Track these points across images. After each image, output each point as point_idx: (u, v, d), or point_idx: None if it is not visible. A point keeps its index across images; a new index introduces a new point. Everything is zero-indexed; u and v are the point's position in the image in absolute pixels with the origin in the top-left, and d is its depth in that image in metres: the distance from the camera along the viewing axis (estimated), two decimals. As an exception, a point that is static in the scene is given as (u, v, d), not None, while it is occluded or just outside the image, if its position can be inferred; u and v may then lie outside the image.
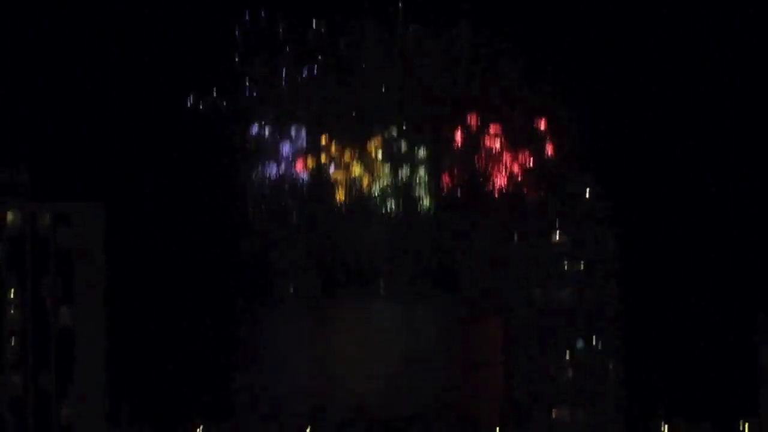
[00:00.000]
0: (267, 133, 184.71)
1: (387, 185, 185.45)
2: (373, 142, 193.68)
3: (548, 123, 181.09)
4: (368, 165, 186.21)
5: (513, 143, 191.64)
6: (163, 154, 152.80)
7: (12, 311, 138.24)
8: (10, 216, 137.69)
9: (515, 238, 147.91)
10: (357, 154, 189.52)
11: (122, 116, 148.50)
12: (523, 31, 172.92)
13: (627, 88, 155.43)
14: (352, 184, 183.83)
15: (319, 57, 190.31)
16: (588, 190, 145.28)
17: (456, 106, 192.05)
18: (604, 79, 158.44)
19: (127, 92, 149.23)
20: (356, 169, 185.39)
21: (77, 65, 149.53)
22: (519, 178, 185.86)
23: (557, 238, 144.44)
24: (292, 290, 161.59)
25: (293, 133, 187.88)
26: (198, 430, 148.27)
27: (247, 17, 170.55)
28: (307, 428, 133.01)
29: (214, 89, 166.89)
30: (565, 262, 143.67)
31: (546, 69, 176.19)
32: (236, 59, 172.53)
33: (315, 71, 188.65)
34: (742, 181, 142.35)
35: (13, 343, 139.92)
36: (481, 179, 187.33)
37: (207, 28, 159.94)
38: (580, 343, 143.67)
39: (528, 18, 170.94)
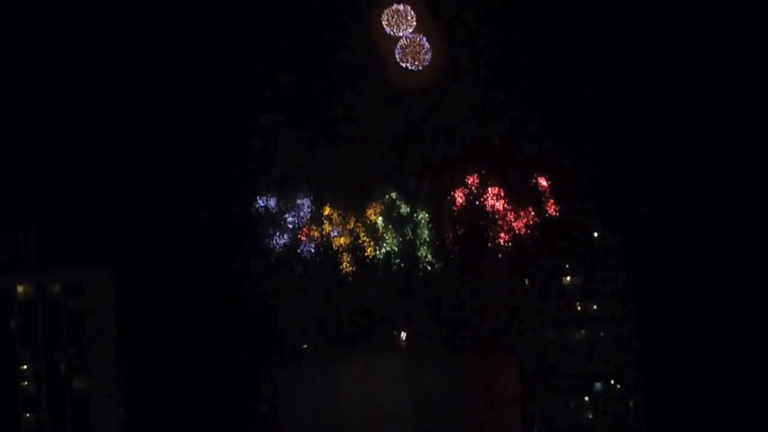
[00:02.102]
0: (273, 204, 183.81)
1: (391, 247, 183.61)
2: (374, 208, 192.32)
3: (550, 173, 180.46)
4: (371, 229, 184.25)
5: (515, 201, 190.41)
6: (174, 222, 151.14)
7: (26, 383, 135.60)
8: (20, 288, 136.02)
9: (526, 283, 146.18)
10: (359, 220, 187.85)
11: (133, 183, 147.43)
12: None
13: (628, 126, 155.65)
14: (356, 248, 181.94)
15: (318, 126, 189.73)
16: (596, 232, 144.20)
17: (457, 167, 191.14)
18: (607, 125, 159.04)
19: (136, 159, 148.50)
20: (360, 234, 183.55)
21: (89, 136, 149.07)
22: (523, 232, 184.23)
23: (568, 280, 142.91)
24: (305, 348, 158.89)
25: (298, 202, 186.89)
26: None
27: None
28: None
29: (222, 159, 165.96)
30: (578, 304, 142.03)
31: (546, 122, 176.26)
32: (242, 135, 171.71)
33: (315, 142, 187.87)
34: (749, 205, 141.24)
35: (28, 414, 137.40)
36: (485, 235, 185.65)
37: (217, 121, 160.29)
38: (598, 385, 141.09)
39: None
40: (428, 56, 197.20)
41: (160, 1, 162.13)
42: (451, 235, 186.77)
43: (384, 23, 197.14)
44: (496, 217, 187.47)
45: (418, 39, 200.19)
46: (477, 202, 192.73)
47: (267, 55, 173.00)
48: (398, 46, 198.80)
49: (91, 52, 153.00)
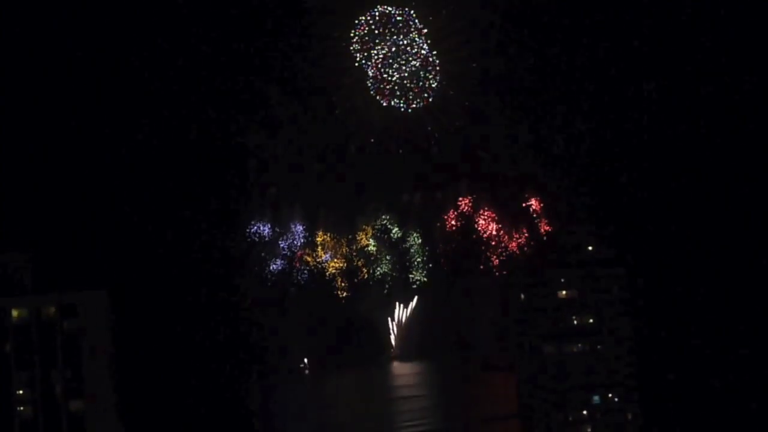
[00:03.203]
0: (267, 230, 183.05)
1: (384, 269, 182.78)
2: (366, 231, 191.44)
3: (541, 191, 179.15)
4: (363, 253, 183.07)
5: (509, 222, 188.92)
6: (168, 244, 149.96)
7: (21, 408, 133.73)
8: (15, 311, 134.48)
9: (521, 296, 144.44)
10: (352, 244, 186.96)
11: (126, 206, 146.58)
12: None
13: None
14: (350, 272, 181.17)
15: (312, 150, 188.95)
16: (590, 245, 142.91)
17: (450, 189, 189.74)
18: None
19: (130, 182, 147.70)
20: (354, 258, 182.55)
21: (83, 160, 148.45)
22: (517, 254, 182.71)
23: (563, 293, 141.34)
24: (300, 366, 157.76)
25: (292, 228, 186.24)
26: None
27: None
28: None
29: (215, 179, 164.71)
30: (574, 317, 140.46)
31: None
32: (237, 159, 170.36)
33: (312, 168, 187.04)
34: (745, 217, 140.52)
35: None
36: (478, 258, 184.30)
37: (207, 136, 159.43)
38: (596, 398, 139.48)
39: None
40: (434, 84, 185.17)
41: (145, 35, 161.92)
42: (443, 260, 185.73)
43: (354, 45, 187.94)
44: (490, 240, 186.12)
45: (423, 64, 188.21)
46: (469, 226, 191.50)
47: (261, 79, 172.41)
48: (376, 76, 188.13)
49: (87, 76, 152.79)
